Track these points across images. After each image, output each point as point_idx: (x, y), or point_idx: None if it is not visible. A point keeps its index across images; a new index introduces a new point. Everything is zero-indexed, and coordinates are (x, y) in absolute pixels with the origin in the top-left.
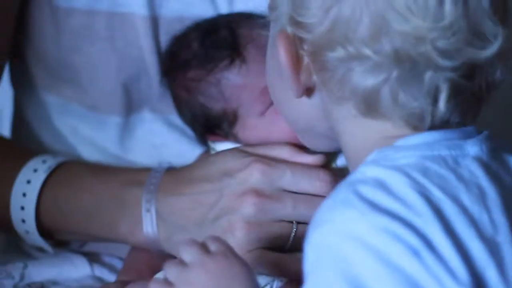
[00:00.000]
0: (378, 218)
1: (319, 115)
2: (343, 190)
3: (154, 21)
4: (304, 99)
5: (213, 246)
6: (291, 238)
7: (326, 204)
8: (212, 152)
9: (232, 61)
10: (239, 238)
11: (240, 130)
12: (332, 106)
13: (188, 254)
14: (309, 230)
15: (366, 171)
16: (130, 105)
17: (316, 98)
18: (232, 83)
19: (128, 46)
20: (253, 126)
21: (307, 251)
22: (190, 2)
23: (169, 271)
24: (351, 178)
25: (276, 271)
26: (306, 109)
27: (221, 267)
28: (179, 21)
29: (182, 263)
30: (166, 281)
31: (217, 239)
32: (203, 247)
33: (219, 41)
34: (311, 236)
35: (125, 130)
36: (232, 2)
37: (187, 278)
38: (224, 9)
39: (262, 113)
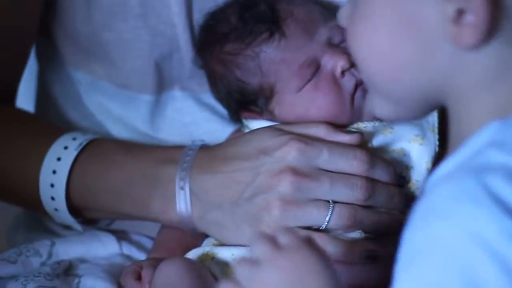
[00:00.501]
0: (510, 223)
1: (449, 73)
2: (468, 179)
3: None
4: (455, 53)
5: (284, 239)
6: (327, 217)
7: (448, 191)
8: (246, 130)
9: (271, 35)
10: (275, 216)
11: (277, 106)
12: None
13: (258, 251)
14: (421, 214)
15: (490, 156)
16: (161, 83)
17: (490, 49)
18: (270, 57)
19: (161, 24)
20: (290, 103)
21: (413, 234)
22: None
23: (239, 272)
24: (474, 161)
25: None
26: (438, 67)
27: (294, 263)
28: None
29: (253, 261)
30: (236, 281)
31: (289, 231)
32: (274, 242)
33: (258, 15)
34: (428, 224)
35: (155, 108)
36: None
37: (258, 278)
38: None
39: (300, 89)
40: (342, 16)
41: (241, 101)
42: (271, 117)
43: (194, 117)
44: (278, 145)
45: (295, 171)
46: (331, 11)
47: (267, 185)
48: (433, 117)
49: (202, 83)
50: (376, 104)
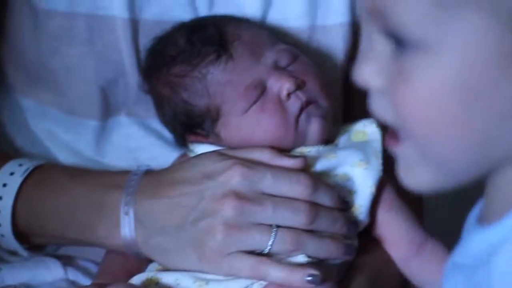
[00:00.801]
0: None
1: None
2: None
3: (134, 24)
4: None
5: None
6: (270, 242)
7: None
8: (191, 155)
9: (218, 57)
10: (219, 240)
11: (222, 129)
12: None
13: None
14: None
15: None
16: (107, 109)
17: None
18: (217, 79)
19: (107, 49)
20: (235, 125)
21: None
22: (170, 6)
23: None
24: None
25: (255, 274)
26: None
27: None
28: (158, 25)
29: None
30: None
31: None
32: None
33: (206, 37)
34: None
35: (102, 133)
36: (212, 7)
37: None
38: (204, 13)
39: (245, 111)
40: (372, 75)
41: (187, 124)
42: (217, 140)
43: (140, 142)
44: (222, 169)
45: (239, 196)
46: (278, 35)
47: (211, 209)
48: (377, 142)
49: (148, 108)
50: (419, 174)
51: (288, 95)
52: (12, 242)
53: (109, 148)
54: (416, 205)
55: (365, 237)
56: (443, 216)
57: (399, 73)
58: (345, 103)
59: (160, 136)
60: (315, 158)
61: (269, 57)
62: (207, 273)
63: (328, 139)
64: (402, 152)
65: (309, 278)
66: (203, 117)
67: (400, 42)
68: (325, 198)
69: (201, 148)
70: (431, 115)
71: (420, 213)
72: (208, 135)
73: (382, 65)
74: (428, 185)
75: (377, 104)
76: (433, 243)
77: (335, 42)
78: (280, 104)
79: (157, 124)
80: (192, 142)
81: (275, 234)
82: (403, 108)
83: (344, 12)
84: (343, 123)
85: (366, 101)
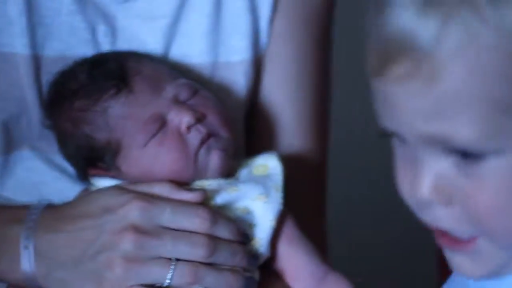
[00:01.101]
0: None
1: None
2: None
3: (36, 61)
4: None
5: None
6: (169, 275)
7: None
8: (93, 189)
9: (118, 91)
10: (117, 274)
11: (123, 162)
12: None
13: None
14: None
15: None
16: (10, 143)
17: None
18: (117, 112)
19: (9, 86)
20: (135, 158)
21: None
22: (73, 43)
23: None
24: None
25: None
26: None
27: None
28: (61, 61)
29: None
30: None
31: None
32: None
33: (106, 72)
34: None
35: (4, 168)
36: (115, 43)
37: None
38: (106, 49)
39: (145, 145)
40: (432, 191)
41: (89, 158)
42: (118, 174)
43: (43, 177)
44: (120, 203)
45: (137, 229)
46: (180, 71)
47: (109, 243)
48: (278, 176)
49: (51, 143)
50: (492, 263)
51: (188, 128)
52: None
53: (12, 182)
54: (319, 239)
55: (266, 271)
56: None
57: (471, 181)
58: (247, 140)
59: (63, 171)
60: (215, 191)
61: (170, 91)
62: None
63: (229, 172)
64: (477, 249)
65: None
66: (104, 151)
67: (467, 155)
68: (224, 231)
69: (102, 182)
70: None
71: (323, 247)
72: (109, 169)
73: (441, 178)
74: (496, 271)
75: (440, 217)
76: (335, 277)
77: (237, 78)
78: (180, 137)
79: (60, 159)
80: (94, 176)
81: (174, 268)
82: (483, 211)
83: (246, 49)
84: (244, 157)
85: (267, 138)
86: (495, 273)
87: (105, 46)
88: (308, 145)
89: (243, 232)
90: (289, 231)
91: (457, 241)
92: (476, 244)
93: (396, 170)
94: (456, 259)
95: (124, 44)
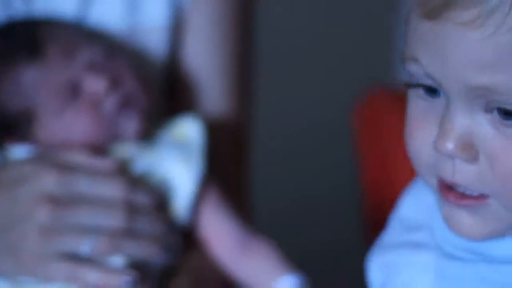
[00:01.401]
0: None
1: None
2: None
3: None
4: None
5: None
6: (86, 245)
7: None
8: (10, 157)
9: (31, 58)
10: (33, 245)
11: (39, 130)
12: None
13: None
14: None
15: None
16: None
17: None
18: (30, 80)
19: None
20: (51, 125)
21: None
22: None
23: None
24: None
25: (71, 278)
26: None
27: None
28: None
29: None
30: None
31: None
32: None
33: (18, 38)
34: None
35: None
36: (30, 9)
37: None
38: (21, 15)
39: (60, 112)
40: (462, 147)
41: (3, 126)
42: (34, 141)
43: None
44: (35, 173)
45: (53, 199)
46: (96, 36)
47: (24, 214)
48: (198, 140)
49: None
50: (492, 226)
51: (104, 93)
52: None
53: None
54: (242, 204)
55: (188, 239)
56: None
57: (504, 141)
58: (169, 103)
59: None
60: (134, 158)
61: (85, 56)
62: (25, 278)
63: (147, 135)
64: (486, 207)
65: (126, 281)
66: (18, 119)
67: (508, 113)
68: (142, 199)
69: (17, 151)
70: None
71: (246, 211)
72: (24, 137)
73: (471, 134)
74: (492, 235)
75: (459, 171)
76: (260, 241)
77: (155, 43)
78: (96, 103)
79: None
80: (10, 144)
81: (91, 237)
82: (508, 172)
83: (164, 14)
84: (164, 121)
85: (188, 101)
86: (492, 236)
87: (20, 11)
88: (229, 107)
89: (162, 199)
90: (211, 197)
91: (465, 197)
92: (487, 202)
93: (408, 123)
94: (456, 216)
95: (39, 10)
